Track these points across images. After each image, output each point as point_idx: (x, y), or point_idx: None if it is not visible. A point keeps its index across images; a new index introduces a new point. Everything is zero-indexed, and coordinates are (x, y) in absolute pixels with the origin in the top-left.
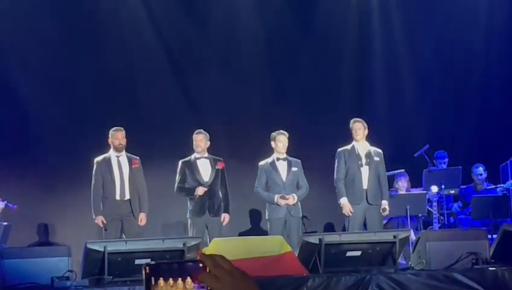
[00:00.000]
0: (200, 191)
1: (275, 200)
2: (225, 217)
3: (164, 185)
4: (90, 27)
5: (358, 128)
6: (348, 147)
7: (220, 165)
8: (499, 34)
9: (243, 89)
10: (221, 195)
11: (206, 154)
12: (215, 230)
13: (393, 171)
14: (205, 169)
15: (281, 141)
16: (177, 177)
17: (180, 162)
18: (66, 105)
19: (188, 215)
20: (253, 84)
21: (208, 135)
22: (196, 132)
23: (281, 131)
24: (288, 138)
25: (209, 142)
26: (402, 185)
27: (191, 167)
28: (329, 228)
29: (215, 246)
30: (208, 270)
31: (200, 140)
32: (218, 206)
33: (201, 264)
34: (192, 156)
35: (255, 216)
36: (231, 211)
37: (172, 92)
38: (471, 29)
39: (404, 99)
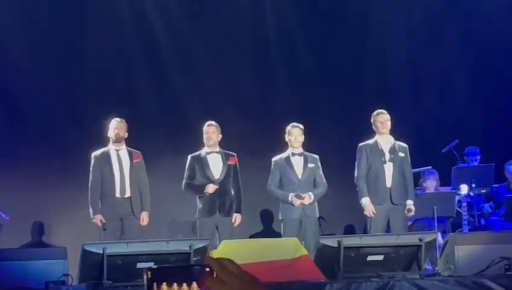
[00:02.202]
0: (211, 189)
1: (289, 199)
2: (237, 217)
3: (169, 181)
4: (89, 11)
5: (384, 120)
6: (370, 141)
7: (232, 161)
8: None
9: (255, 79)
10: (233, 193)
11: (218, 149)
12: (226, 231)
13: (419, 169)
14: (216, 165)
15: (294, 134)
16: (186, 173)
17: (189, 157)
18: (61, 95)
19: (196, 215)
20: (267, 73)
21: (219, 127)
22: (207, 123)
23: (296, 123)
24: (304, 132)
25: (220, 135)
26: (431, 184)
27: (201, 162)
28: (348, 230)
29: (224, 249)
30: (215, 274)
31: (212, 132)
32: (230, 205)
33: (208, 269)
34: (203, 151)
35: (267, 216)
36: (241, 210)
37: (178, 81)
38: (500, 17)
39: (430, 91)
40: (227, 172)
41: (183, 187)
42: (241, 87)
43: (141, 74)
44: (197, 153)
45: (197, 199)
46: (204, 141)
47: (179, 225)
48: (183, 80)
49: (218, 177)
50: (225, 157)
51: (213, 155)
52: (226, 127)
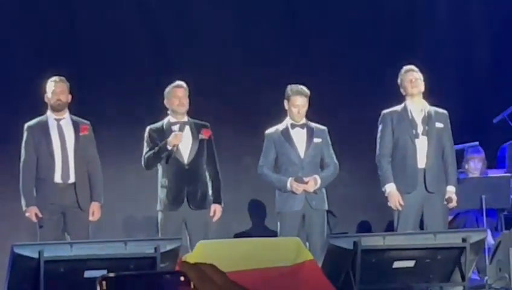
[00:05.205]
0: (175, 139)
1: (288, 185)
2: (216, 210)
3: (127, 161)
4: None
5: (415, 78)
6: (398, 108)
7: (205, 134)
8: None
9: (242, 19)
10: (208, 177)
11: (186, 118)
12: (198, 229)
13: (462, 145)
14: (184, 139)
15: (297, 104)
16: (145, 149)
17: (147, 130)
18: None
19: (158, 207)
20: (259, 12)
21: (188, 89)
22: (175, 84)
23: (300, 87)
24: (310, 98)
25: (188, 100)
26: (474, 165)
27: (164, 136)
28: (366, 227)
29: (202, 252)
30: (192, 285)
31: (183, 96)
32: (203, 194)
33: (182, 277)
34: (166, 121)
35: (259, 209)
36: (223, 200)
37: (137, 30)
38: None
39: (477, 43)
40: (199, 149)
41: (143, 163)
42: (221, 34)
43: (84, 17)
44: (158, 125)
45: (158, 186)
46: (172, 107)
47: (140, 221)
48: (143, 30)
49: (186, 156)
50: (196, 130)
51: (180, 127)
52: (198, 87)
